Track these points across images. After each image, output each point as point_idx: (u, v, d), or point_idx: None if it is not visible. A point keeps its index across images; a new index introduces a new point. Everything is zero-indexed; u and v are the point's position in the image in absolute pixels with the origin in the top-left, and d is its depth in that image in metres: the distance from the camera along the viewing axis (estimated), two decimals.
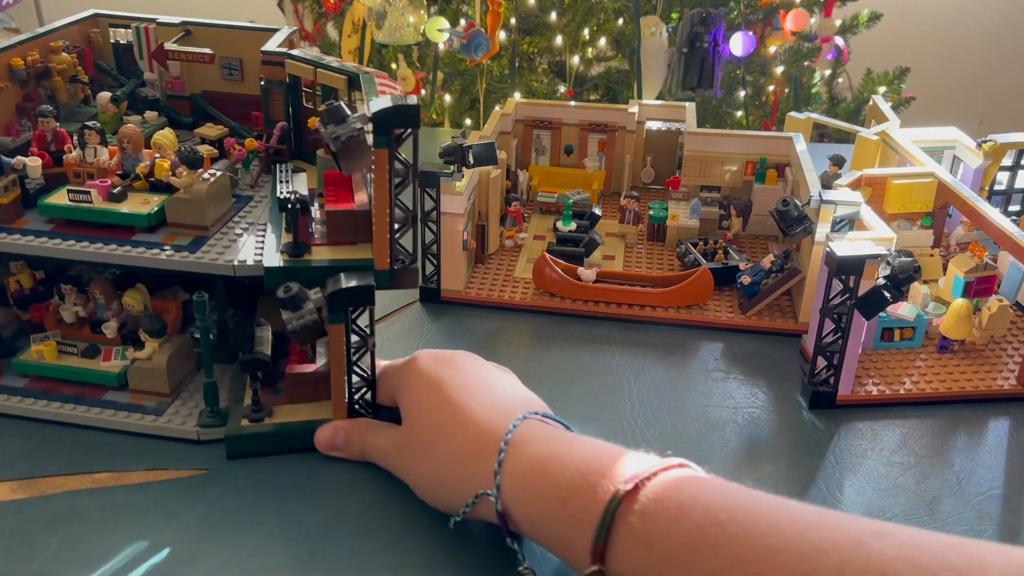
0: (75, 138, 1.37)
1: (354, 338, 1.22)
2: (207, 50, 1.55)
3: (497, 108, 2.02)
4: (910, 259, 1.35)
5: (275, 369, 1.33)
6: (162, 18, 1.62)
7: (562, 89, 3.14)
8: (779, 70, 3.26)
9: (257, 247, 1.27)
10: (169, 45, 1.56)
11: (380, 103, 1.14)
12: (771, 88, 3.31)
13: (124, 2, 1.78)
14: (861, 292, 1.34)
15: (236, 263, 1.23)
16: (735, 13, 3.06)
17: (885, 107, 1.98)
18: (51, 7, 4.32)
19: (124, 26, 1.65)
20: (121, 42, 1.66)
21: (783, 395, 1.45)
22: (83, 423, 1.31)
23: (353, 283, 1.18)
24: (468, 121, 3.45)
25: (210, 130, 1.54)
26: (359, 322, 1.22)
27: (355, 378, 1.26)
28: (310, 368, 1.31)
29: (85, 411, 1.31)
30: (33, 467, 1.24)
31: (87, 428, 1.30)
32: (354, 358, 1.24)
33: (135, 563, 1.09)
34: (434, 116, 3.15)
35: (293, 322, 1.17)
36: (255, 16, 1.70)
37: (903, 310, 1.55)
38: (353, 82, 1.37)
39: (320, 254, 1.24)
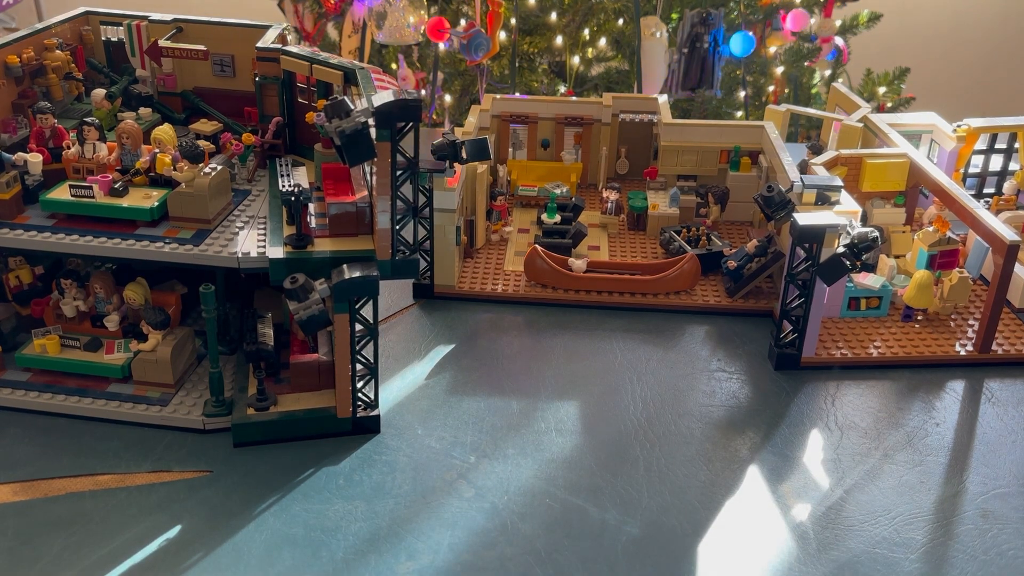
0: (73, 134, 1.38)
1: (358, 327, 1.25)
2: (201, 47, 1.57)
3: (475, 104, 2.04)
4: (868, 230, 1.42)
5: (278, 359, 1.36)
6: (153, 15, 1.63)
7: (562, 89, 3.13)
8: (779, 70, 3.29)
9: (260, 239, 1.29)
10: (163, 42, 1.57)
11: (382, 97, 1.17)
12: (771, 88, 3.33)
13: (120, 0, 1.78)
14: (823, 260, 1.42)
15: (240, 255, 1.25)
16: (735, 13, 3.08)
17: (848, 92, 2.05)
18: (51, 7, 4.25)
19: (116, 23, 1.66)
20: (113, 39, 1.67)
21: (764, 368, 1.52)
22: (88, 415, 1.32)
23: (357, 274, 1.21)
24: (471, 120, 3.39)
25: (204, 126, 1.56)
26: (363, 312, 1.25)
27: (358, 367, 1.29)
28: (313, 358, 1.34)
29: (90, 403, 1.32)
30: (36, 469, 1.24)
31: (90, 425, 1.32)
32: (358, 347, 1.27)
33: (138, 566, 1.10)
34: (434, 116, 3.14)
35: (300, 312, 1.20)
36: (254, 16, 1.71)
37: (870, 281, 1.62)
38: (349, 77, 1.40)
39: (323, 245, 1.27)
